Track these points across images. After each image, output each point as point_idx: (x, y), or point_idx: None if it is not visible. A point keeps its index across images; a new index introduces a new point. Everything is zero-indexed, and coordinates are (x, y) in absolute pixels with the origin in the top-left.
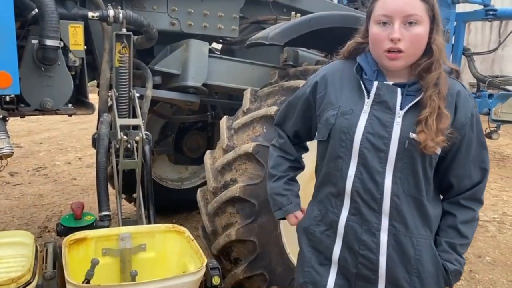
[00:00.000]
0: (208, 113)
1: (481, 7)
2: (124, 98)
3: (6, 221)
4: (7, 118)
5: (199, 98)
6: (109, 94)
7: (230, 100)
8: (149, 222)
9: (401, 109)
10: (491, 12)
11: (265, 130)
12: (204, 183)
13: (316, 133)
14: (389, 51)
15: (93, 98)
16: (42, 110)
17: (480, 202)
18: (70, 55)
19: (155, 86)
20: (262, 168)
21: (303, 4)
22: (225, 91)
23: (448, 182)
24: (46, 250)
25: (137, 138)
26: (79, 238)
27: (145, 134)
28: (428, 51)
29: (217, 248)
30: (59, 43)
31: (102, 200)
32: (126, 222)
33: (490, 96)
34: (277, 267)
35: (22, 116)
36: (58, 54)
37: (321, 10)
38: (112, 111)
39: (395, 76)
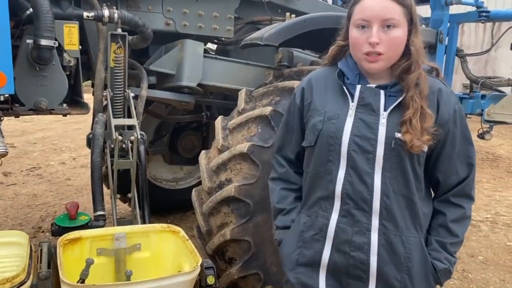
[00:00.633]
0: (203, 113)
1: (474, 8)
2: (119, 98)
3: None
4: (2, 118)
5: (194, 98)
6: (104, 94)
7: (225, 100)
8: (144, 222)
9: (385, 110)
10: (484, 14)
11: (260, 130)
12: (199, 183)
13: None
14: (368, 54)
15: (87, 98)
16: (37, 110)
17: (470, 198)
18: (65, 55)
19: (150, 86)
20: (257, 168)
21: (297, 5)
22: (220, 91)
23: (435, 178)
24: (41, 250)
25: (132, 138)
26: (74, 238)
27: (140, 134)
28: (407, 53)
29: (212, 248)
30: (54, 43)
31: (97, 200)
32: (121, 222)
33: (483, 97)
34: (272, 266)
35: (17, 116)
36: (53, 54)
37: (315, 11)
38: (107, 111)
39: (376, 78)
